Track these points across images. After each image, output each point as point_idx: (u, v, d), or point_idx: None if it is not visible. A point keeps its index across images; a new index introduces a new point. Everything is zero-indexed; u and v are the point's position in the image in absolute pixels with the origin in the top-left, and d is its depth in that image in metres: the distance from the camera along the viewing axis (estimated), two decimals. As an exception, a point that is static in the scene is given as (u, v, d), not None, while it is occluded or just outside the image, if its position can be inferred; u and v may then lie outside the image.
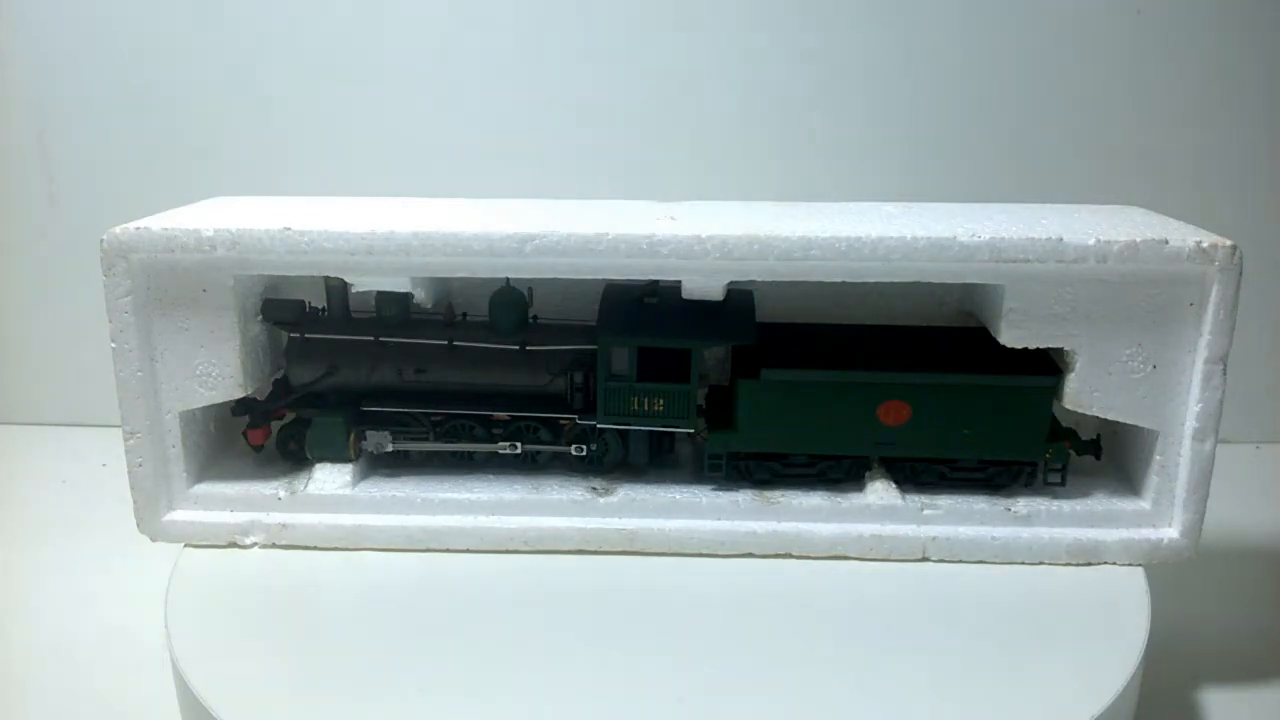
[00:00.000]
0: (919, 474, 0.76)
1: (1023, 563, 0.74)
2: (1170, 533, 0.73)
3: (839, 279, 0.70)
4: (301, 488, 0.76)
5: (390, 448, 0.78)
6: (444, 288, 0.79)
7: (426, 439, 0.78)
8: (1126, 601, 0.70)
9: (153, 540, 0.76)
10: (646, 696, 0.62)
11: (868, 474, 0.77)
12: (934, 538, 0.74)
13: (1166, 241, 0.67)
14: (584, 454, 0.78)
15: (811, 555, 0.74)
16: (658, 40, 1.08)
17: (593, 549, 0.75)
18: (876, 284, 0.71)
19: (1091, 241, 0.67)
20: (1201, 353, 0.69)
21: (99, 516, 0.96)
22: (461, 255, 0.69)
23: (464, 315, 0.78)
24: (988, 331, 0.74)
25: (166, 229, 0.69)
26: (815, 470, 0.77)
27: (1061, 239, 0.67)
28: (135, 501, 0.74)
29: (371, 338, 0.76)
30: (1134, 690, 0.64)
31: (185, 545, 0.76)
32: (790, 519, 0.75)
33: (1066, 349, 0.71)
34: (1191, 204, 0.87)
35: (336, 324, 0.77)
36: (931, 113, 1.09)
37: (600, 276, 0.70)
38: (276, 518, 0.75)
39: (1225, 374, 0.69)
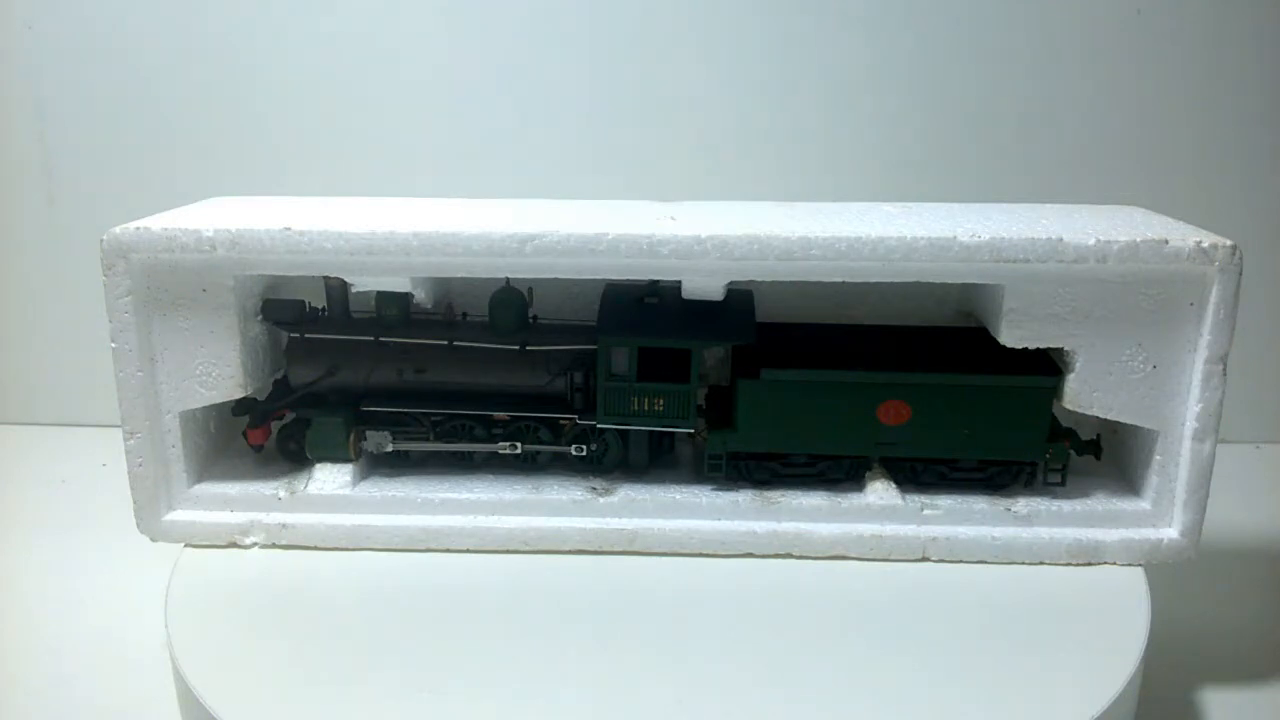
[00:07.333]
0: (919, 474, 0.76)
1: (1023, 563, 0.74)
2: (1170, 533, 0.73)
3: (839, 279, 0.70)
4: (301, 488, 0.76)
5: (390, 448, 0.78)
6: (444, 288, 0.79)
7: (426, 439, 0.78)
8: (1126, 601, 0.70)
9: (153, 540, 0.76)
10: (646, 697, 0.62)
11: (868, 474, 0.77)
12: (934, 538, 0.74)
13: (1166, 241, 0.67)
14: (584, 454, 0.78)
15: (811, 555, 0.74)
16: (658, 40, 1.08)
17: (593, 549, 0.75)
18: (876, 284, 0.71)
19: (1091, 241, 0.67)
20: (1201, 353, 0.69)
21: (99, 516, 0.96)
22: (461, 255, 0.69)
23: (464, 315, 0.78)
24: (988, 331, 0.74)
25: (166, 229, 0.69)
26: (815, 470, 0.77)
27: (1061, 239, 0.67)
28: (135, 501, 0.74)
29: (371, 338, 0.76)
30: (1134, 690, 0.64)
31: (185, 545, 0.76)
32: (790, 519, 0.75)
33: (1066, 349, 0.71)
34: (1191, 204, 0.87)
35: (336, 324, 0.77)
36: (932, 113, 1.09)
37: (600, 276, 0.70)
38: (276, 518, 0.75)
39: (1225, 374, 0.69)
